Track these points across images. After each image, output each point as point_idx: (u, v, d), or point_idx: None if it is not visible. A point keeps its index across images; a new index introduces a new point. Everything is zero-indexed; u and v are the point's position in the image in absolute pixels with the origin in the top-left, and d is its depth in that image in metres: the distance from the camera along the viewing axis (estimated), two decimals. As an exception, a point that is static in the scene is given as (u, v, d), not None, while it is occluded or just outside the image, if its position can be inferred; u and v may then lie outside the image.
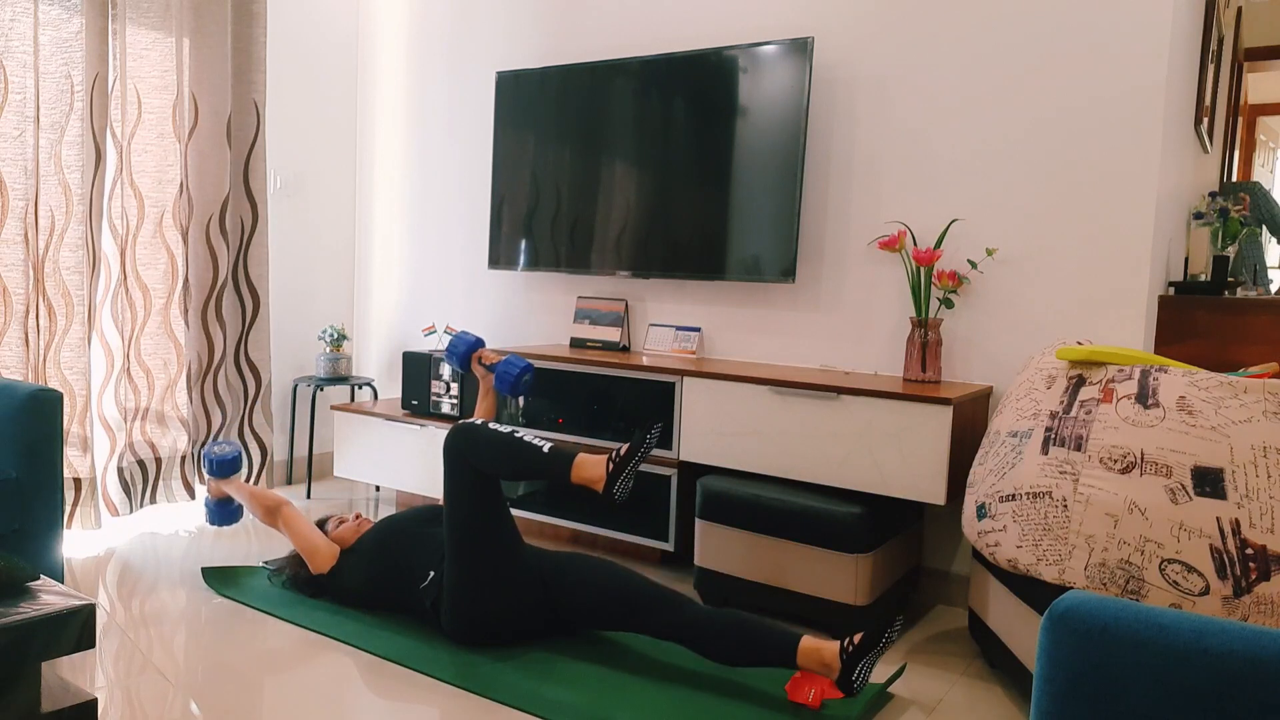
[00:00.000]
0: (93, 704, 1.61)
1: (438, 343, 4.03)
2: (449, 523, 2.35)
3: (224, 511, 2.86)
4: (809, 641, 2.08)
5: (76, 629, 1.56)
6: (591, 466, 2.24)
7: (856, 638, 2.03)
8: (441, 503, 2.82)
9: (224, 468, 2.83)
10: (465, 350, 2.82)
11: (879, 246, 2.82)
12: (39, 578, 1.66)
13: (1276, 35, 4.01)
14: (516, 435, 2.33)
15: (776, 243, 3.00)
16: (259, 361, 3.75)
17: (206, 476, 2.90)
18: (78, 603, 1.58)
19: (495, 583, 2.32)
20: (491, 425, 2.36)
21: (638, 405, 2.98)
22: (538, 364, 3.18)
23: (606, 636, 2.46)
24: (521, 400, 3.22)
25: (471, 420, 2.40)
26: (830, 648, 2.05)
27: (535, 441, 2.31)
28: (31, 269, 3.07)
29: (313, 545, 2.63)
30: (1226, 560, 1.75)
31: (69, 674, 2.13)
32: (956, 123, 2.83)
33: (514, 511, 3.25)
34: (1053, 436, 2.05)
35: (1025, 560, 2.03)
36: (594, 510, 3.10)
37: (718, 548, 2.72)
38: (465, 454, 2.32)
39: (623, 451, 2.21)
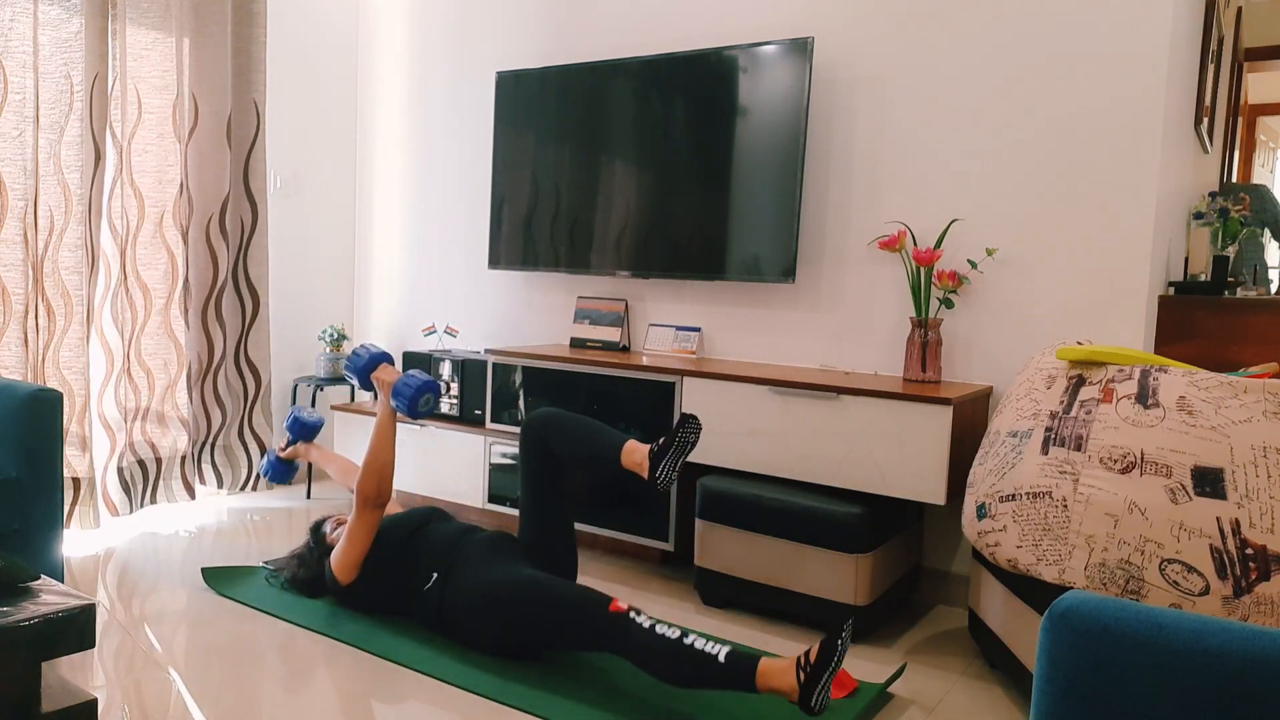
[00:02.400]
0: (93, 704, 1.61)
1: (437, 343, 4.03)
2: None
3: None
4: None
5: (76, 629, 1.56)
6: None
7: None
8: (438, 504, 2.83)
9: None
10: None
11: (879, 246, 2.82)
12: (39, 578, 1.66)
13: (1276, 35, 4.01)
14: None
15: (776, 243, 3.00)
16: (259, 361, 3.75)
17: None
18: (78, 603, 1.57)
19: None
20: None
21: (638, 405, 2.98)
22: (538, 364, 3.18)
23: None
24: (523, 402, 3.22)
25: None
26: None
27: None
28: (31, 269, 3.07)
29: (358, 557, 2.51)
30: (1226, 560, 1.75)
31: (69, 674, 2.13)
32: (957, 122, 2.83)
33: (511, 511, 3.25)
34: (1053, 436, 2.05)
35: (1025, 560, 2.03)
36: (593, 510, 3.09)
37: (718, 548, 2.71)
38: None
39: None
